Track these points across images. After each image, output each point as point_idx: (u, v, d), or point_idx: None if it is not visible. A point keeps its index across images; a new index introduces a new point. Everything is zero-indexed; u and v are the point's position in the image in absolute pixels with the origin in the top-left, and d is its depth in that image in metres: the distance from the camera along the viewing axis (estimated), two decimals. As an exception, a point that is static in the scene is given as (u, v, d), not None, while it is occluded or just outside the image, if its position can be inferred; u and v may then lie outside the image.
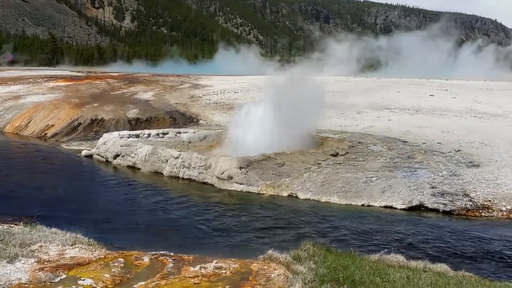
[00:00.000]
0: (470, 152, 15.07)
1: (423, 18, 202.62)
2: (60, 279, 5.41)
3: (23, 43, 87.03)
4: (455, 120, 21.23)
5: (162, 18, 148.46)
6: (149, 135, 18.41)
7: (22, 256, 5.91)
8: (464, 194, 11.91)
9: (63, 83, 33.98)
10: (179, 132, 19.05)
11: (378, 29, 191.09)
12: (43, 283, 5.25)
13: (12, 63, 71.77)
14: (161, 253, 6.59)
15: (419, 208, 11.54)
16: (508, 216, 11.07)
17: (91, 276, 5.53)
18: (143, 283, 5.46)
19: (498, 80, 38.47)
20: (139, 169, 15.45)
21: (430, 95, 29.80)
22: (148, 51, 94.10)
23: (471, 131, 18.36)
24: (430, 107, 25.13)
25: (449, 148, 15.57)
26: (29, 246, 6.34)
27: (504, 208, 11.28)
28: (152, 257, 6.40)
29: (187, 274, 5.80)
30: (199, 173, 13.98)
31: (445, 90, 32.68)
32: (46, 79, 36.86)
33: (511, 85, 35.95)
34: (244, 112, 16.95)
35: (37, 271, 5.55)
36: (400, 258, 7.41)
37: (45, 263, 5.86)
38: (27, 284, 5.20)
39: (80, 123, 22.84)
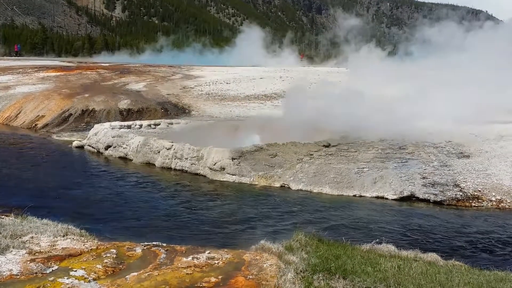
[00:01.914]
0: (461, 142, 15.15)
1: (414, 9, 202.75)
2: (52, 270, 5.38)
3: (12, 33, 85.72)
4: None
5: (153, 8, 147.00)
6: (140, 126, 18.34)
7: (13, 248, 5.85)
8: (455, 184, 12.02)
9: (53, 74, 33.59)
10: (171, 123, 19.01)
11: (370, 20, 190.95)
12: (34, 274, 5.21)
13: (17, 53, 71.05)
14: (153, 244, 6.57)
15: (410, 199, 11.63)
16: (498, 206, 11.20)
17: (83, 267, 5.50)
18: (135, 273, 5.44)
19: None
20: (131, 160, 15.40)
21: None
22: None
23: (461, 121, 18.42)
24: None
25: (440, 139, 15.64)
26: (20, 238, 6.29)
27: (493, 198, 11.41)
28: (145, 248, 6.38)
29: (179, 264, 5.80)
30: (192, 164, 13.96)
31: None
32: (36, 69, 36.41)
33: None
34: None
35: (28, 262, 5.51)
36: (391, 247, 7.47)
37: (37, 254, 5.82)
38: (18, 275, 5.17)
39: (71, 114, 22.66)
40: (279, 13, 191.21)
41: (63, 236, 6.63)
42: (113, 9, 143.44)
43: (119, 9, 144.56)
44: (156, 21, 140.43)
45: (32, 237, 6.38)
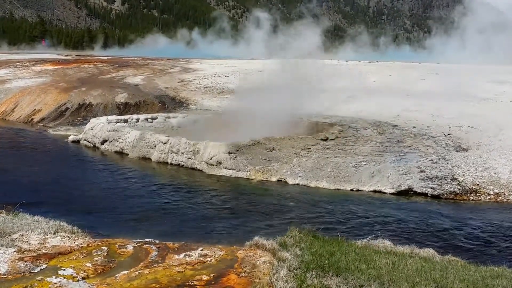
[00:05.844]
0: (459, 136, 15.06)
1: (415, 2, 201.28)
2: (40, 269, 5.28)
3: (11, 26, 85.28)
4: (445, 104, 21.17)
5: (153, 1, 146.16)
6: (137, 120, 18.22)
7: (1, 246, 5.76)
8: (453, 178, 11.92)
9: (50, 67, 33.43)
10: (169, 117, 18.88)
11: (371, 12, 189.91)
12: (22, 274, 5.11)
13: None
14: (145, 241, 6.47)
15: (408, 193, 11.53)
16: (496, 199, 11.11)
17: (72, 266, 5.40)
18: (125, 272, 5.35)
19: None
20: (127, 154, 15.29)
21: (421, 79, 29.70)
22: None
23: (461, 115, 18.33)
24: (421, 91, 25.04)
25: (439, 132, 15.54)
26: (9, 235, 6.19)
27: (491, 192, 11.31)
28: (136, 245, 6.28)
29: (171, 262, 5.71)
30: (188, 159, 13.86)
31: (436, 74, 32.61)
32: (33, 62, 36.25)
33: (500, 69, 35.90)
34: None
35: (16, 261, 5.41)
36: (387, 243, 7.39)
37: (26, 252, 5.72)
38: (5, 274, 5.07)
39: (67, 108, 22.53)
40: (280, 6, 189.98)
41: (54, 233, 6.54)
42: (112, 2, 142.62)
43: (119, 2, 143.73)
44: (156, 14, 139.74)
45: (22, 235, 6.29)
